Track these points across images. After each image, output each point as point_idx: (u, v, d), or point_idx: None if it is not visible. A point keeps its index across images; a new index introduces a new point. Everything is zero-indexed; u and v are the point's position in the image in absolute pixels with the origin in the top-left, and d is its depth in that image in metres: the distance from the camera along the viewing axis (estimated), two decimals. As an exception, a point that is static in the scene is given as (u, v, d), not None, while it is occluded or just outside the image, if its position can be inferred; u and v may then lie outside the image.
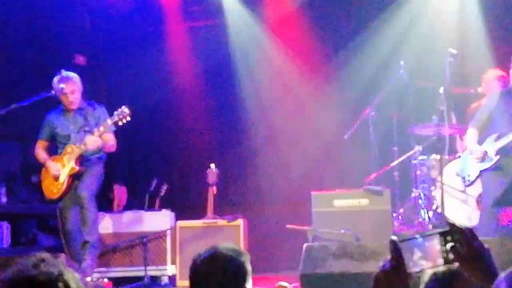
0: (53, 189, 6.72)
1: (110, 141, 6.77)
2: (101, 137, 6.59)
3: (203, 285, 2.84)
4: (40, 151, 6.86)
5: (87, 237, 6.60)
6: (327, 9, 9.04)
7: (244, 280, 2.88)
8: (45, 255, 2.05)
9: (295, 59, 9.07)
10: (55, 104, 6.84)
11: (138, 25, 9.43)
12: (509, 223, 7.05)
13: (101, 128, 6.58)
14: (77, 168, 6.62)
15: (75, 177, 6.65)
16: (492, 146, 6.18)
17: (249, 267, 2.92)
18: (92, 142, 6.53)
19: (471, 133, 6.43)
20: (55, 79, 6.70)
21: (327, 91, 8.90)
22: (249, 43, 9.27)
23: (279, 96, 9.19)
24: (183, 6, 9.54)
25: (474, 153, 6.34)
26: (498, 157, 6.10)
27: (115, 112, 6.62)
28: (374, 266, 4.62)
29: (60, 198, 6.70)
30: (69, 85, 6.68)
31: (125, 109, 6.60)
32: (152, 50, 9.39)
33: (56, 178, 6.65)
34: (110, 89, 7.96)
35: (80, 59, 8.78)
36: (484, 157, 6.22)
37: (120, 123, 6.65)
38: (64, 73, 6.78)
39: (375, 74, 8.21)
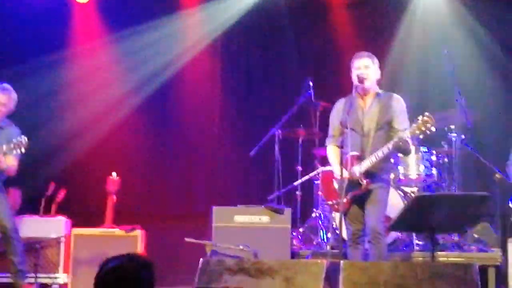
0: None
1: (12, 165, 6.69)
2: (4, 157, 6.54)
3: None
4: None
5: None
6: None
7: None
8: None
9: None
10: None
11: (45, 25, 9.20)
12: (404, 248, 7.32)
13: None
14: None
15: None
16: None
17: (155, 278, 2.88)
18: None
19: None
20: None
21: (235, 107, 9.00)
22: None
23: (189, 109, 9.24)
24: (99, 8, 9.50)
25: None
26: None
27: (13, 140, 6.51)
28: (269, 283, 4.73)
29: None
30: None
31: (22, 139, 6.46)
32: (60, 52, 9.27)
33: None
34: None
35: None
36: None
37: (14, 152, 6.54)
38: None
39: (284, 93, 8.33)
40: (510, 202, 6.61)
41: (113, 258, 2.88)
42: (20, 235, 6.76)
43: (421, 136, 5.75)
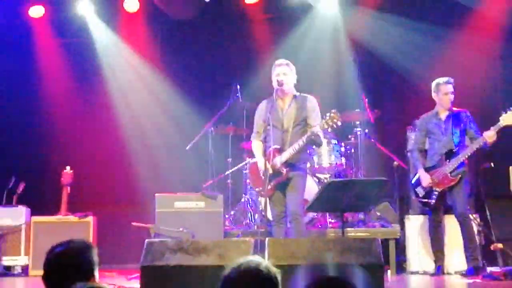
0: None
1: None
2: None
3: (56, 276, 2.76)
4: None
5: None
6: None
7: (92, 270, 2.83)
8: None
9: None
10: None
11: (6, 36, 8.95)
12: (319, 226, 7.38)
13: None
14: None
15: None
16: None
17: (96, 259, 2.86)
18: None
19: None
20: None
21: (175, 106, 8.93)
22: (113, 54, 9.18)
23: (143, 106, 9.16)
24: (51, 24, 9.24)
25: None
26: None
27: None
28: (205, 260, 4.67)
29: None
30: None
31: None
32: (21, 58, 8.99)
33: None
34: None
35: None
36: None
37: None
38: None
39: (215, 95, 8.30)
40: (412, 185, 6.68)
41: (57, 245, 2.87)
42: None
43: (329, 130, 5.80)
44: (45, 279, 2.79)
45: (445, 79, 6.51)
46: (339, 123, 5.63)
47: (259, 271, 2.55)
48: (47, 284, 2.79)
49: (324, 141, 7.43)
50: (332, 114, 5.56)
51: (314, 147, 6.52)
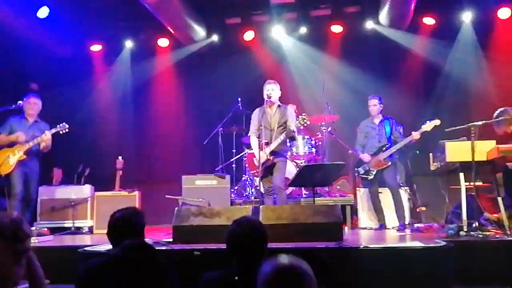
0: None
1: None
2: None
3: (116, 233, 2.78)
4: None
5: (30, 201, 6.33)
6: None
7: (142, 230, 2.87)
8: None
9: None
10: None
11: (73, 64, 8.98)
12: (297, 196, 7.45)
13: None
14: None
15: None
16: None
17: (144, 222, 2.90)
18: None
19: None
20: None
21: (196, 113, 8.97)
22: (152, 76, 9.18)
23: (173, 114, 9.16)
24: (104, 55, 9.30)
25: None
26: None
27: (57, 126, 6.34)
28: (218, 221, 4.76)
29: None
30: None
31: (65, 125, 6.34)
32: (84, 81, 9.02)
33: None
34: (55, 106, 7.52)
35: (34, 86, 8.26)
36: None
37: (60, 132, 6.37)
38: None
39: (223, 105, 8.31)
40: (356, 167, 6.76)
41: (118, 211, 2.91)
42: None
43: (301, 127, 5.89)
44: (108, 235, 2.84)
45: (371, 96, 6.69)
46: (308, 122, 5.75)
47: (253, 224, 2.69)
48: (110, 239, 2.82)
49: (300, 136, 7.55)
50: (303, 116, 5.67)
51: (292, 141, 6.60)
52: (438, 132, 6.11)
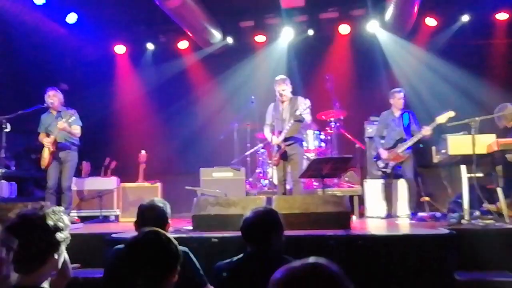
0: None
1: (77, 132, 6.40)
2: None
3: (143, 222, 2.76)
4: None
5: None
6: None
7: (166, 219, 2.89)
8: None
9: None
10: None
11: (99, 65, 9.05)
12: (314, 187, 7.43)
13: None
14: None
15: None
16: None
17: (169, 211, 2.92)
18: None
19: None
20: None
21: (214, 111, 8.97)
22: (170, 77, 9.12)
23: (192, 111, 9.17)
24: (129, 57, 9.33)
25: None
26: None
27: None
28: (234, 210, 4.78)
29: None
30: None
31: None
32: (109, 81, 9.06)
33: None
34: (83, 105, 7.59)
35: (64, 86, 8.35)
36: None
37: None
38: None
39: (238, 103, 8.31)
40: (374, 159, 6.63)
41: (147, 202, 2.94)
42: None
43: (308, 112, 5.91)
44: (136, 224, 2.86)
45: (397, 89, 6.54)
46: (309, 105, 5.84)
47: (267, 213, 2.70)
48: (136, 227, 2.81)
49: (311, 131, 7.53)
50: (306, 102, 5.80)
51: (302, 127, 6.51)
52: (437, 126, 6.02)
